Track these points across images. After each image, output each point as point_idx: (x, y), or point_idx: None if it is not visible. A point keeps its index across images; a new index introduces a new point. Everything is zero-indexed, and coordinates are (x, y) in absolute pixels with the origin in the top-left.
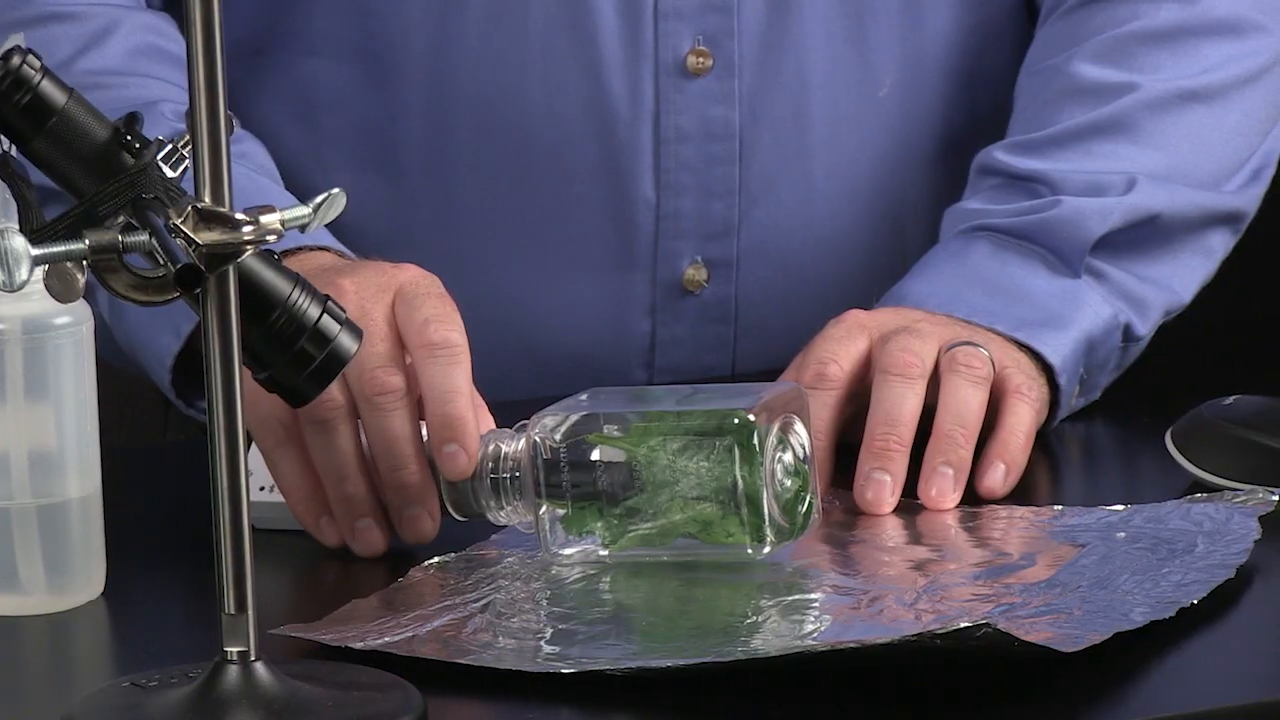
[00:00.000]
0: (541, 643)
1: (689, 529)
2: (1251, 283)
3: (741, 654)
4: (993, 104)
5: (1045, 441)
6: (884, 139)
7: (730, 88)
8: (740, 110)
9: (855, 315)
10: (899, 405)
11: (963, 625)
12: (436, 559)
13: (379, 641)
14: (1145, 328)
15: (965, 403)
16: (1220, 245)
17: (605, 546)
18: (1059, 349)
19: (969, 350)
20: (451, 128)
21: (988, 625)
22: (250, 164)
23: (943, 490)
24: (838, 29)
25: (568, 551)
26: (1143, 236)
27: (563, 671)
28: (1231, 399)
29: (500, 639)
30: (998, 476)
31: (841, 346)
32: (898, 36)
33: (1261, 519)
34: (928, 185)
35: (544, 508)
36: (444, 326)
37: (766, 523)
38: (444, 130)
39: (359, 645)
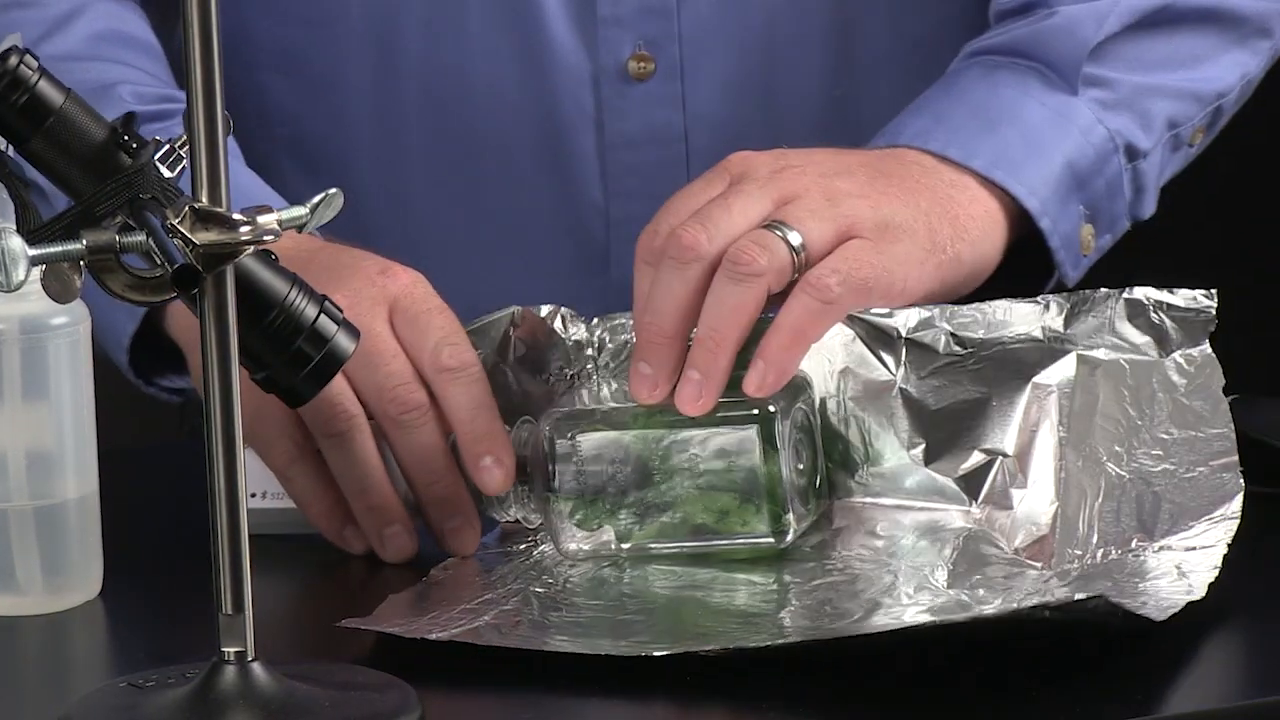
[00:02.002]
0: (595, 632)
1: (705, 519)
2: (1251, 283)
3: (834, 632)
4: None
5: None
6: (842, 139)
7: (674, 91)
8: (685, 114)
9: (734, 157)
10: (662, 293)
11: (1077, 597)
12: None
13: (446, 634)
14: (1149, 140)
15: (720, 303)
16: (1242, 59)
17: (619, 539)
18: (1037, 188)
19: (755, 239)
20: (400, 135)
21: (1100, 597)
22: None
23: (688, 397)
24: (784, 30)
25: (582, 546)
26: (1150, 35)
27: (655, 653)
28: (1230, 399)
29: (557, 626)
30: (753, 377)
31: (684, 202)
32: (850, 36)
33: (1247, 517)
34: None
35: (555, 501)
36: (457, 350)
37: (791, 512)
38: (392, 138)
39: (433, 636)
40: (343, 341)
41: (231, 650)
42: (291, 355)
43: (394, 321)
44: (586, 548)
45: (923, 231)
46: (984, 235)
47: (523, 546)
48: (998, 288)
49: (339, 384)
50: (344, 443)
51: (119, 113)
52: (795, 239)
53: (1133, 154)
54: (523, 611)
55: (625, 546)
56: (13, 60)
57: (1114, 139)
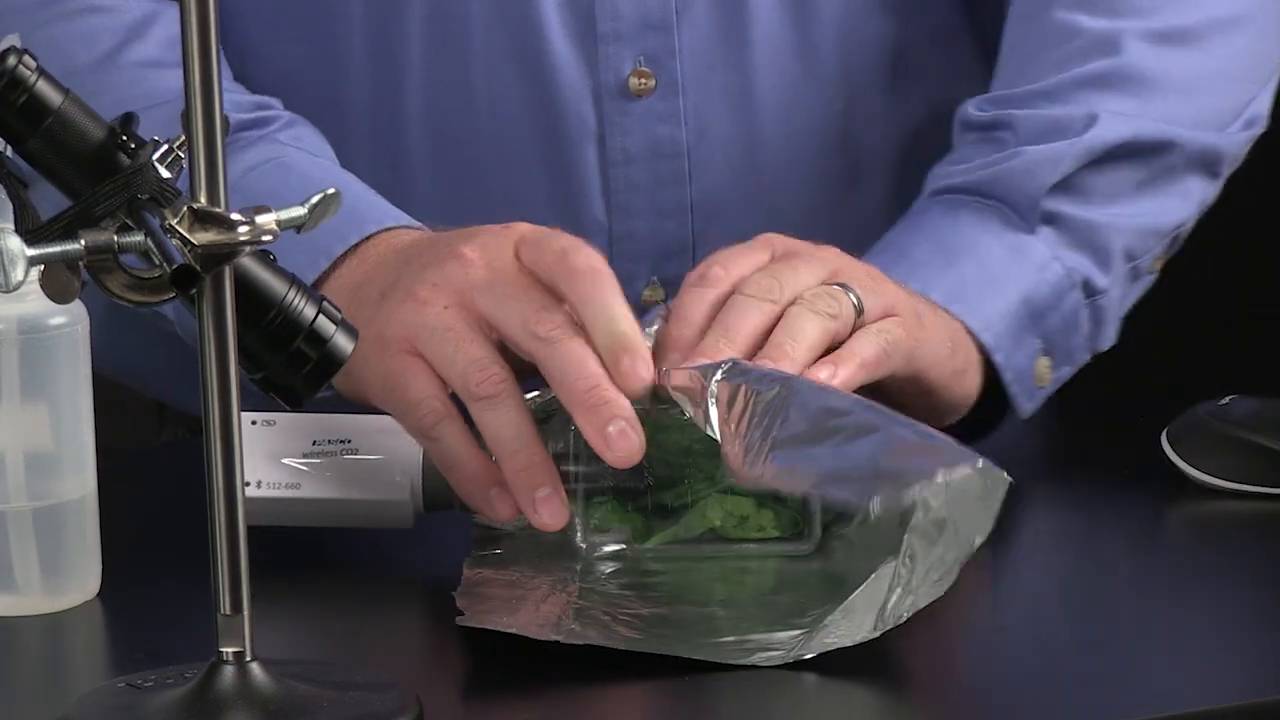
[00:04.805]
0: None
1: (724, 523)
2: (1248, 282)
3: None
4: (948, 100)
5: (1039, 440)
6: (838, 150)
7: (675, 107)
8: (687, 129)
9: (769, 236)
10: (736, 318)
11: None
12: (470, 557)
13: (563, 635)
14: (1106, 278)
15: (794, 326)
16: (1198, 190)
17: (635, 539)
18: (992, 323)
19: (828, 290)
20: (401, 152)
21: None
22: (308, 147)
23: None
24: (783, 44)
25: (596, 544)
26: (1108, 173)
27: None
28: (1227, 399)
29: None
30: (819, 371)
31: (738, 256)
32: (844, 48)
33: (1246, 518)
34: (885, 191)
35: (574, 499)
36: (584, 252)
37: (816, 516)
38: (394, 155)
39: (556, 637)
40: (341, 341)
41: (230, 650)
42: (290, 355)
43: (520, 254)
44: (604, 548)
45: (944, 334)
46: (977, 369)
47: (504, 548)
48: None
49: (485, 347)
50: (496, 404)
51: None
52: (855, 299)
53: (1090, 290)
54: (599, 608)
55: (641, 546)
56: (11, 60)
57: (1070, 275)
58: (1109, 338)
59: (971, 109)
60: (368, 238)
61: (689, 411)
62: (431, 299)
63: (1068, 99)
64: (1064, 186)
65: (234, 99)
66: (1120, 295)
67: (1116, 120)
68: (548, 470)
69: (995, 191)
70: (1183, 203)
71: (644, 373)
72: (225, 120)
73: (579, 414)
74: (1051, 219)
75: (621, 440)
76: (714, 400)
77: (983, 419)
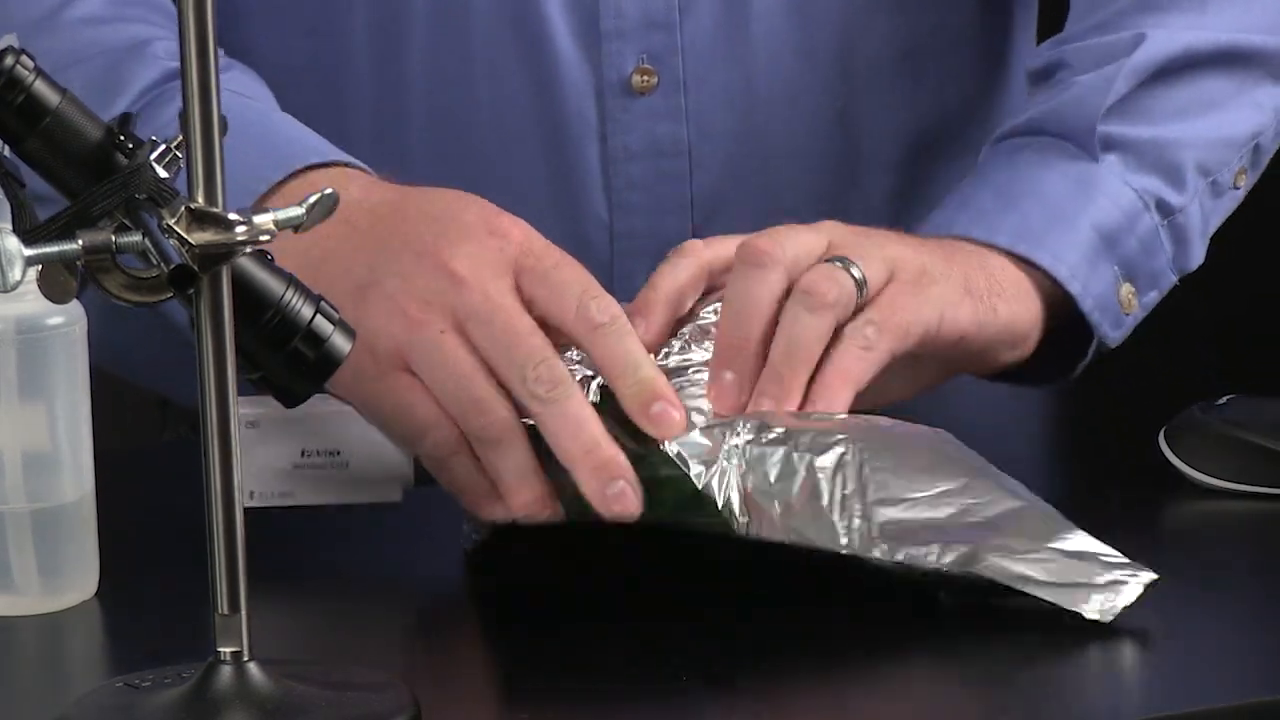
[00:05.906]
0: None
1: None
2: (1247, 282)
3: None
4: (961, 99)
5: (1037, 439)
6: (844, 149)
7: (677, 104)
8: (688, 127)
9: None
10: (743, 298)
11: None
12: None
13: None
14: (1181, 196)
15: (794, 330)
16: (1270, 96)
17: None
18: (1063, 255)
19: (824, 272)
20: (403, 148)
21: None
22: (240, 88)
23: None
24: (785, 42)
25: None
26: (1169, 85)
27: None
28: (1225, 399)
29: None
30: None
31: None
32: (851, 46)
33: (1245, 518)
34: (887, 190)
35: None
36: (600, 301)
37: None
38: (395, 151)
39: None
40: (339, 342)
41: (228, 650)
42: (287, 356)
43: (521, 283)
44: None
45: (958, 278)
46: (1017, 295)
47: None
48: (1043, 359)
49: (486, 387)
50: (499, 446)
51: (154, 71)
52: (858, 273)
53: (1166, 210)
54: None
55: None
56: (9, 60)
57: (1142, 198)
58: (1195, 257)
59: (1031, 58)
60: (294, 174)
61: (693, 471)
62: (425, 320)
63: (1120, 25)
64: (1122, 110)
65: (170, 47)
66: (1202, 212)
67: (1168, 36)
68: (549, 506)
69: (1052, 127)
70: (1255, 111)
71: (676, 416)
72: (223, 120)
73: (579, 473)
74: (1113, 144)
75: (620, 501)
76: (731, 464)
77: (1071, 351)
